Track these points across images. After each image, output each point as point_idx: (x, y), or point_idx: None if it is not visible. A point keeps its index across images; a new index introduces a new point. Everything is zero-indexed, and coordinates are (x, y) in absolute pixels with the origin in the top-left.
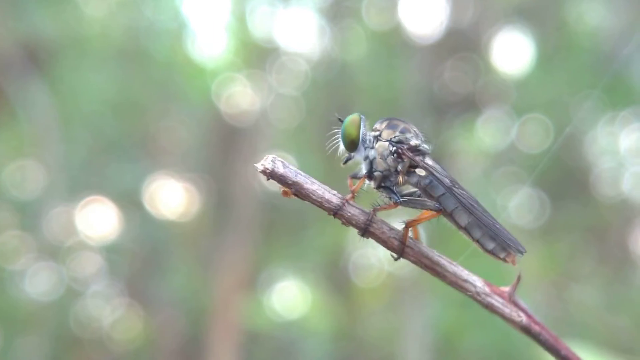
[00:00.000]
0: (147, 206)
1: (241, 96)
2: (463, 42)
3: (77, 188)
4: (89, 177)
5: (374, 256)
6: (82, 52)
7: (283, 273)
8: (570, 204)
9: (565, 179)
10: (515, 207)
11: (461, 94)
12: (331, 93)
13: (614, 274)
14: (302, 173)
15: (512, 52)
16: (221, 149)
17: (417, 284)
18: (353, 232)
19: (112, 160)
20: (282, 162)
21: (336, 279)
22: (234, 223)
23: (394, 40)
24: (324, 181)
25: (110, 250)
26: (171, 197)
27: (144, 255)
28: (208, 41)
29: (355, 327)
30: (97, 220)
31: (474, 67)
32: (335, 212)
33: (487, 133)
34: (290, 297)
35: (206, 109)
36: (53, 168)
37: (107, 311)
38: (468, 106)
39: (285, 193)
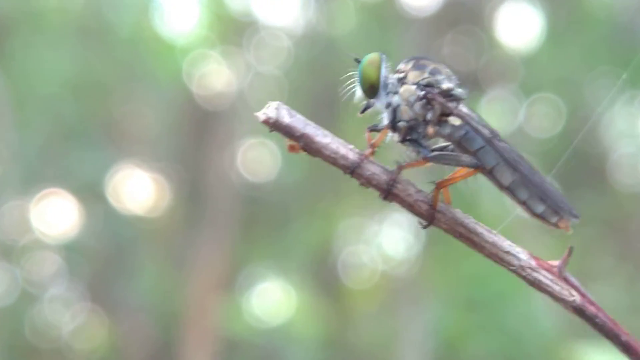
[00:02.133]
0: (112, 200)
1: (216, 76)
2: (464, 14)
3: (33, 179)
4: (45, 167)
5: (366, 253)
6: (38, 28)
7: (264, 273)
8: (585, 193)
9: (579, 165)
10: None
11: (462, 71)
12: (316, 72)
13: (636, 272)
14: (313, 123)
15: (519, 24)
16: (194, 135)
17: (415, 284)
18: (344, 225)
19: (72, 148)
20: (288, 110)
21: (324, 279)
22: (209, 217)
23: (386, 12)
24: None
25: (70, 249)
26: (138, 189)
27: (108, 254)
28: (178, 15)
29: (346, 333)
30: (55, 215)
31: (477, 42)
32: (353, 170)
33: (492, 115)
34: (272, 299)
35: (177, 91)
36: (5, 157)
37: (67, 317)
38: (470, 86)
39: (291, 148)
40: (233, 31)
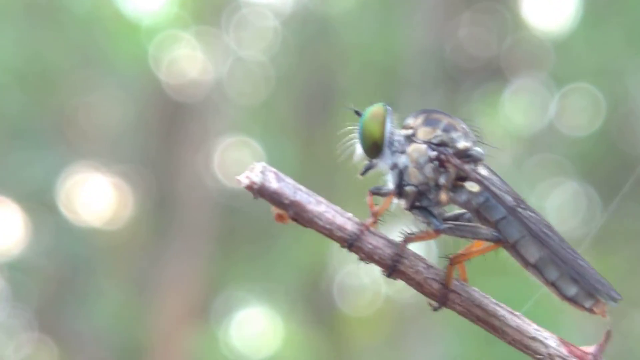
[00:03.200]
0: (64, 209)
1: (188, 62)
2: None
3: None
4: None
5: (367, 274)
6: None
7: (246, 297)
8: (629, 203)
9: (620, 170)
10: (556, 208)
11: (482, 57)
12: (309, 58)
13: None
14: (304, 189)
15: (550, 1)
16: (162, 132)
17: (425, 311)
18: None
19: (16, 147)
20: (275, 173)
21: (317, 305)
22: (180, 231)
23: None
24: (302, 179)
25: (14, 269)
26: (96, 196)
27: (59, 274)
28: None
29: None
30: None
31: (499, 22)
32: (351, 243)
33: (517, 109)
34: (255, 329)
35: (142, 79)
36: None
37: (10, 349)
38: (491, 74)
39: (279, 217)
40: (209, 9)
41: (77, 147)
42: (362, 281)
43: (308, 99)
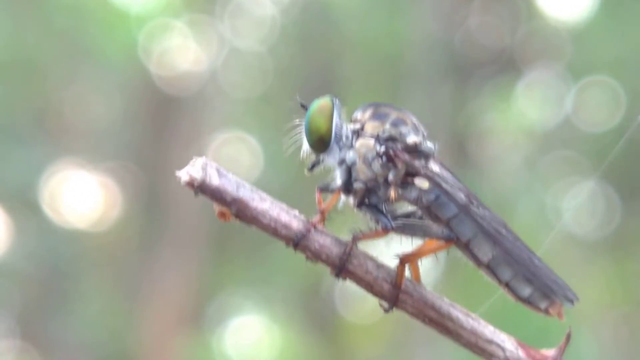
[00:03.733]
0: (47, 210)
1: (180, 52)
2: None
3: None
4: None
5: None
6: None
7: (241, 304)
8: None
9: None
10: (572, 209)
11: (494, 48)
12: (309, 48)
13: None
14: (247, 185)
15: None
16: (153, 127)
17: None
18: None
19: None
20: (217, 169)
21: (317, 312)
22: (172, 233)
23: None
24: (300, 177)
25: None
26: (81, 196)
27: (42, 279)
28: None
29: None
30: None
31: (513, 10)
32: (297, 242)
33: (531, 104)
34: (251, 338)
35: (131, 71)
36: None
37: None
38: (504, 66)
39: (222, 215)
40: None
41: (62, 142)
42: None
43: (308, 92)
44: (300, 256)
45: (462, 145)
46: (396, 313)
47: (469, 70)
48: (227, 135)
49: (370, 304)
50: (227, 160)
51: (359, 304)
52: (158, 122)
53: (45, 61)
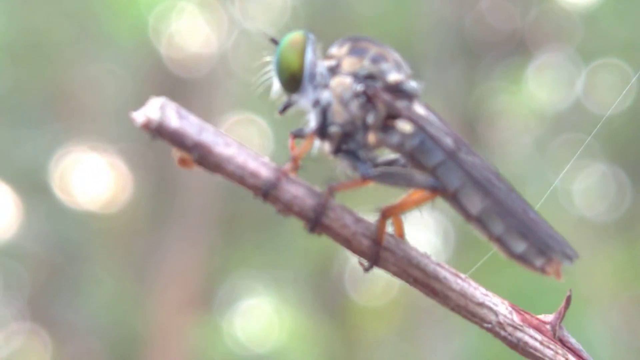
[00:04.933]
0: (57, 191)
1: (191, 34)
2: None
3: None
4: None
5: None
6: None
7: (251, 286)
8: None
9: None
10: (582, 191)
11: (505, 30)
12: (319, 30)
13: None
14: (211, 128)
15: None
16: None
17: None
18: None
19: (6, 125)
20: (177, 109)
21: (327, 295)
22: (181, 215)
23: None
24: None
25: (5, 254)
26: (91, 178)
27: (52, 261)
28: None
29: None
30: None
31: None
32: (266, 192)
33: (542, 86)
34: (261, 320)
35: (141, 53)
36: None
37: (1, 340)
38: (514, 48)
39: (182, 162)
40: None
41: (72, 124)
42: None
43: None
44: (310, 238)
45: (472, 128)
46: (406, 296)
47: (480, 52)
48: (236, 116)
49: (380, 286)
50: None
51: (368, 287)
52: None
53: (56, 43)
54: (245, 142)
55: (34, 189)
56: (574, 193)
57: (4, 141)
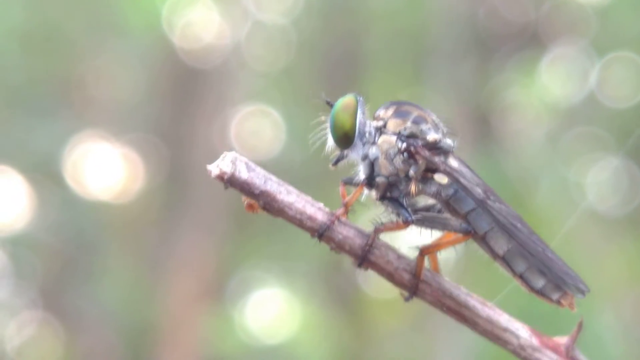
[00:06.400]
0: (70, 181)
1: (204, 25)
2: None
3: None
4: None
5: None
6: None
7: (262, 277)
8: None
9: None
10: (595, 186)
11: (518, 22)
12: (333, 22)
13: None
14: (274, 178)
15: None
16: (176, 100)
17: None
18: (367, 216)
19: (20, 115)
20: (246, 163)
21: (339, 287)
22: (194, 206)
23: None
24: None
25: (18, 244)
26: (104, 168)
27: (64, 250)
28: None
29: (366, 355)
30: None
31: None
32: (322, 233)
33: (555, 79)
34: (272, 311)
35: (154, 43)
36: None
37: (13, 329)
38: (528, 41)
39: (250, 207)
40: None
41: (85, 115)
42: None
43: (331, 66)
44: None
45: (485, 120)
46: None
47: (493, 44)
48: (249, 108)
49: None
50: (249, 133)
51: (380, 279)
52: (181, 94)
53: (69, 33)
54: (258, 133)
55: (47, 178)
56: (587, 186)
57: (17, 131)
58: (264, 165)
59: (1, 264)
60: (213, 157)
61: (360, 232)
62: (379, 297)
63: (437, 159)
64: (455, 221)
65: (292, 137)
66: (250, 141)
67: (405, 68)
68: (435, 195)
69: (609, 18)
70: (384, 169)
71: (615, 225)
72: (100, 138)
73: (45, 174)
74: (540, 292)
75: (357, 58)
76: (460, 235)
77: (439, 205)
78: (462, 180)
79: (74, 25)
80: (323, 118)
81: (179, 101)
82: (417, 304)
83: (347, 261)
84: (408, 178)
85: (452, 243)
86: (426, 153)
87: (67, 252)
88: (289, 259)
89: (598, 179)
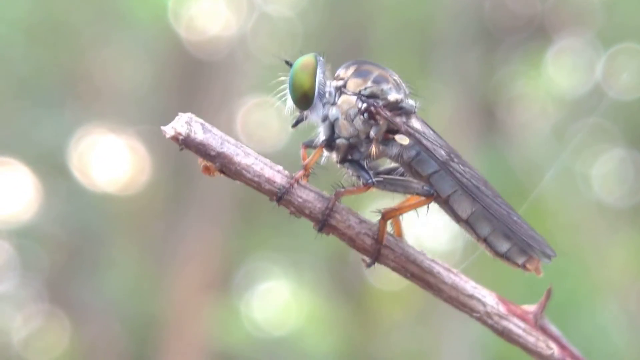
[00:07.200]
0: (76, 173)
1: (210, 17)
2: None
3: None
4: None
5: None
6: None
7: (268, 269)
8: None
9: None
10: (601, 177)
11: (524, 14)
12: (339, 13)
13: None
14: (232, 140)
15: None
16: (182, 91)
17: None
18: (373, 208)
19: (26, 107)
20: (202, 124)
21: (344, 279)
22: (199, 198)
23: None
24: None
25: (24, 236)
26: (110, 160)
27: (70, 243)
28: None
29: (371, 348)
30: (5, 193)
31: None
32: (280, 196)
33: (561, 71)
34: (278, 303)
35: (160, 35)
36: None
37: (19, 321)
38: (534, 33)
39: (206, 169)
40: None
41: (91, 106)
42: None
43: (337, 57)
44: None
45: (491, 112)
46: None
47: (499, 36)
48: (255, 99)
49: None
50: (255, 125)
51: (386, 270)
52: (187, 86)
53: (76, 25)
54: (264, 125)
55: (53, 171)
56: (593, 177)
57: (23, 123)
58: (272, 157)
59: (7, 256)
60: None
61: (320, 196)
62: (384, 289)
63: (398, 120)
64: (417, 184)
65: (299, 128)
66: (255, 132)
67: (411, 60)
68: (397, 158)
69: (615, 10)
70: (345, 130)
71: (621, 216)
72: (107, 130)
73: (51, 166)
74: (505, 256)
75: (363, 50)
76: (422, 198)
77: (400, 169)
78: (424, 141)
79: (80, 17)
80: (282, 78)
81: (185, 93)
82: (423, 296)
83: (354, 254)
84: (369, 139)
85: (415, 206)
86: (387, 113)
87: (73, 244)
88: (295, 250)
89: (604, 171)
